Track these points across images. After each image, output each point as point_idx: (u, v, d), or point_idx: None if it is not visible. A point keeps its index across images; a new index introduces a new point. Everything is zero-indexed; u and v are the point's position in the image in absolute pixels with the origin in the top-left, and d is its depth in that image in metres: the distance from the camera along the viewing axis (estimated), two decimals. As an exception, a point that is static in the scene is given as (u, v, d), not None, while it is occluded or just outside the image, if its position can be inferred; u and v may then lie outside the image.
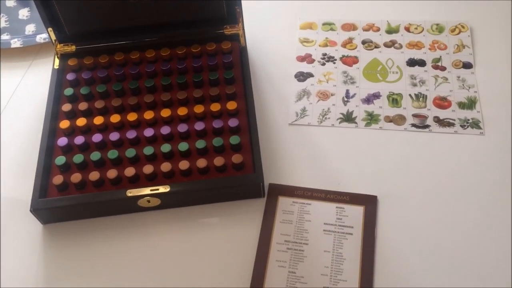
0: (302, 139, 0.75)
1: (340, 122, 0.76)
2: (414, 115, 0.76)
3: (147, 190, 0.66)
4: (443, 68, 0.81)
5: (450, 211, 0.67)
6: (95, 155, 0.69)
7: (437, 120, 0.75)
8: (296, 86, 0.81)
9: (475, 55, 0.82)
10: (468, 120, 0.74)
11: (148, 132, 0.71)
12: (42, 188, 0.67)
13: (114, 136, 0.71)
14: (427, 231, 0.65)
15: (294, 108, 0.78)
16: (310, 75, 0.82)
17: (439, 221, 0.66)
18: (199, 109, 0.74)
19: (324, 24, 0.89)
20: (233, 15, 0.80)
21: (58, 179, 0.67)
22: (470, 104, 0.76)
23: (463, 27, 0.85)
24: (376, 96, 0.79)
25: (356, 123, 0.76)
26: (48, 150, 0.70)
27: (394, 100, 0.78)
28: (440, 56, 0.82)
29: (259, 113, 0.77)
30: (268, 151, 0.73)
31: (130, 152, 0.69)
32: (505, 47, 0.82)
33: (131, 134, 0.71)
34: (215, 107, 0.74)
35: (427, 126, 0.74)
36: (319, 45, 0.86)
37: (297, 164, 0.72)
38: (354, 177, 0.70)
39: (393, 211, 0.67)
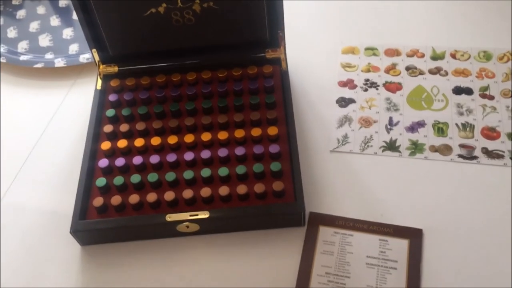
0: (344, 167, 0.73)
1: (383, 151, 0.74)
2: (461, 145, 0.73)
3: (186, 216, 0.65)
4: (491, 97, 0.78)
5: (499, 247, 0.63)
6: (135, 178, 0.69)
7: (486, 151, 0.72)
8: (338, 112, 0.80)
9: (525, 84, 0.79)
10: (519, 152, 0.71)
11: (188, 156, 0.71)
12: (82, 209, 0.67)
13: (154, 159, 0.71)
14: (475, 268, 0.62)
15: (335, 134, 0.77)
16: (352, 101, 0.81)
17: (487, 258, 0.63)
18: (239, 133, 0.73)
19: (366, 49, 0.87)
20: (275, 39, 0.80)
21: (98, 201, 0.67)
22: (520, 135, 0.73)
23: (512, 55, 0.82)
24: (421, 124, 0.76)
25: (400, 151, 0.74)
26: (89, 171, 0.70)
27: (440, 129, 0.75)
28: (488, 85, 0.80)
29: (299, 138, 0.76)
30: (308, 178, 0.72)
31: (170, 176, 0.69)
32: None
33: (171, 158, 0.71)
34: (256, 132, 0.73)
35: (475, 158, 0.72)
36: (362, 70, 0.85)
37: (338, 192, 0.70)
38: (397, 208, 0.68)
39: (439, 246, 0.64)
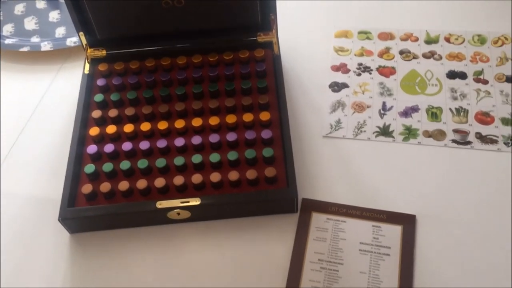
0: (337, 153, 0.72)
1: (376, 136, 0.73)
2: (455, 131, 0.72)
3: (177, 203, 0.64)
4: (485, 82, 0.77)
5: (492, 231, 0.63)
6: (125, 164, 0.68)
7: (479, 136, 0.71)
8: (331, 97, 0.78)
9: (519, 68, 0.78)
10: (513, 137, 0.71)
11: (179, 142, 0.69)
12: (71, 196, 0.65)
13: (144, 145, 0.70)
14: (468, 253, 0.62)
15: (328, 119, 0.76)
16: (345, 85, 0.80)
17: (481, 242, 0.62)
18: (231, 119, 0.72)
19: (360, 32, 0.86)
20: (267, 22, 0.78)
21: (87, 188, 0.65)
22: (514, 120, 0.73)
23: (506, 38, 0.81)
24: (415, 109, 0.75)
25: (393, 137, 0.73)
26: (78, 157, 0.69)
27: (434, 114, 0.75)
28: (482, 69, 0.79)
29: (292, 124, 0.74)
30: (301, 164, 0.71)
31: (160, 162, 0.68)
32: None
33: (161, 143, 0.69)
34: (248, 117, 0.71)
35: (469, 143, 0.71)
36: (355, 55, 0.83)
37: (331, 178, 0.70)
38: (390, 194, 0.67)
39: (432, 231, 0.64)
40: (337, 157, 0.72)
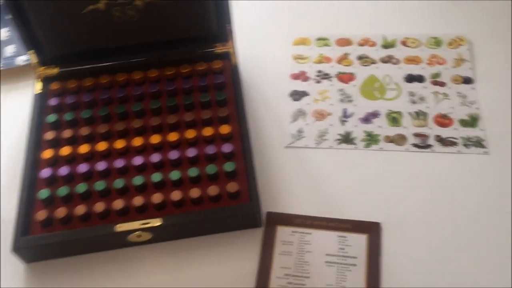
0: (299, 163, 0.71)
1: (338, 143, 0.73)
2: (415, 134, 0.73)
3: (137, 225, 0.62)
4: (442, 84, 0.78)
5: (456, 234, 0.63)
6: (81, 187, 0.65)
7: (439, 139, 0.72)
8: (291, 106, 0.78)
9: (475, 69, 0.79)
10: (471, 138, 0.71)
11: (137, 161, 0.67)
12: (25, 224, 0.62)
13: (101, 165, 0.67)
14: (434, 258, 0.62)
15: (289, 129, 0.75)
16: (305, 93, 0.79)
17: (446, 246, 0.63)
18: (190, 134, 0.70)
19: (318, 39, 0.86)
20: (224, 33, 0.77)
21: (41, 215, 0.63)
22: (472, 121, 0.73)
23: (461, 40, 0.82)
24: (375, 114, 0.75)
25: (355, 144, 0.72)
26: (31, 182, 0.66)
27: (394, 118, 0.75)
28: (439, 71, 0.79)
29: (253, 135, 0.73)
30: (264, 177, 0.70)
31: (118, 183, 0.65)
32: (506, 60, 0.79)
33: (119, 163, 0.67)
34: (208, 131, 0.70)
35: (429, 146, 0.71)
36: (314, 62, 0.83)
37: (295, 190, 0.69)
38: (355, 202, 0.67)
39: (398, 238, 0.63)
40: (300, 168, 0.71)
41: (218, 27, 0.77)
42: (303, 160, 0.72)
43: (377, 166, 0.70)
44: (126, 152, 0.69)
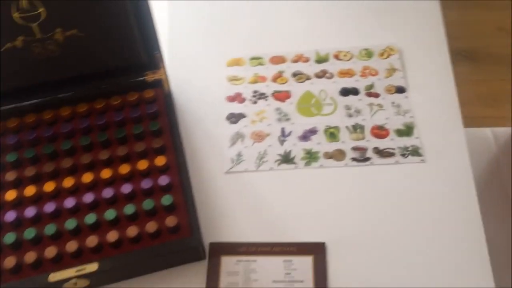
0: (241, 188, 0.70)
1: (278, 164, 0.72)
2: (354, 148, 0.73)
3: (72, 272, 0.58)
4: (376, 95, 0.78)
5: (400, 246, 0.64)
6: (9, 237, 0.61)
7: (377, 151, 0.72)
8: (229, 130, 0.76)
9: (407, 78, 0.80)
10: (408, 148, 0.72)
11: (69, 203, 0.64)
12: None
13: (30, 211, 0.63)
14: (379, 272, 0.62)
15: (228, 154, 0.73)
16: (242, 115, 0.78)
17: (391, 259, 0.63)
18: (124, 169, 0.67)
19: (251, 59, 0.85)
20: (154, 61, 0.75)
21: (-34, 272, 0.58)
22: (407, 130, 0.74)
23: (392, 50, 0.83)
24: (313, 131, 0.75)
25: (295, 163, 0.72)
26: (-47, 238, 0.61)
27: (332, 134, 0.74)
28: (373, 83, 0.80)
29: (192, 164, 0.72)
30: (205, 206, 0.68)
31: (50, 229, 0.62)
32: (435, 67, 0.80)
33: (49, 207, 0.64)
34: (143, 164, 0.68)
35: (368, 159, 0.71)
36: (249, 82, 0.82)
37: (238, 216, 0.67)
38: (299, 223, 0.66)
39: (343, 257, 0.63)
40: (241, 193, 0.69)
41: (147, 55, 0.74)
42: (244, 185, 0.70)
43: (318, 184, 0.70)
44: (57, 195, 0.66)
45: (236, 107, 0.79)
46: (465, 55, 1.79)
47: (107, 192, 0.65)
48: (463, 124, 0.73)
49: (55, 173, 0.68)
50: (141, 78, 0.76)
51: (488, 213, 0.99)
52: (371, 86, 0.80)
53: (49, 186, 0.66)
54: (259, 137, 0.75)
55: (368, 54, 0.84)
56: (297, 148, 0.73)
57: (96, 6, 0.67)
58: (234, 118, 0.78)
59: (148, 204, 0.64)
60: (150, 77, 0.76)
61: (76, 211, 0.64)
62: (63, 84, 0.74)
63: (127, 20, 0.70)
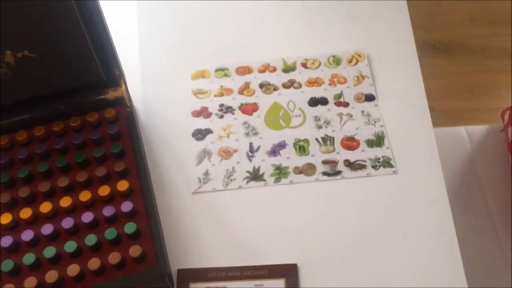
0: (209, 209, 0.67)
1: (247, 182, 0.69)
2: (324, 162, 0.71)
3: (31, 311, 0.55)
4: (346, 104, 0.77)
5: (376, 263, 0.62)
6: (-37, 277, 0.58)
7: (348, 163, 0.70)
8: (195, 147, 0.73)
9: (376, 85, 0.78)
10: (379, 159, 0.70)
11: (27, 236, 0.61)
12: None
13: (-15, 247, 0.60)
14: (355, 291, 0.60)
15: (195, 173, 0.71)
16: (208, 131, 0.75)
17: (366, 277, 0.61)
18: (85, 196, 0.64)
19: (217, 70, 0.82)
20: (113, 78, 0.72)
21: None
22: (378, 140, 0.72)
23: (359, 56, 0.81)
24: (282, 145, 0.73)
25: (264, 180, 0.70)
26: None
27: (301, 147, 0.72)
28: (342, 91, 0.78)
29: (157, 185, 0.69)
30: (172, 230, 0.65)
31: (7, 265, 0.59)
32: (403, 73, 0.79)
33: (5, 242, 0.60)
34: (104, 190, 0.64)
35: (339, 173, 0.69)
36: (215, 95, 0.79)
37: (207, 239, 0.65)
38: (270, 244, 0.64)
39: (316, 277, 0.61)
40: (210, 214, 0.67)
41: (105, 73, 0.71)
42: (212, 206, 0.68)
43: (288, 201, 0.68)
44: (14, 228, 0.63)
45: (202, 123, 0.76)
46: (438, 48, 1.79)
47: (67, 222, 0.62)
48: (433, 125, 0.72)
49: (11, 203, 0.64)
50: (101, 97, 0.73)
51: (462, 212, 0.99)
52: (340, 95, 0.78)
53: (4, 219, 0.62)
54: (226, 153, 0.72)
55: (336, 61, 0.82)
56: (266, 164, 0.71)
57: (45, 25, 0.63)
58: (201, 134, 0.75)
59: (110, 233, 0.61)
60: (110, 95, 0.73)
61: (34, 244, 0.61)
62: (19, 107, 0.71)
63: (80, 38, 0.66)
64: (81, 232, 0.62)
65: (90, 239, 0.60)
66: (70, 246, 0.60)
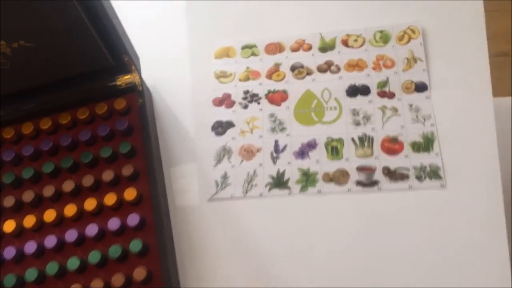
0: (226, 220, 0.61)
1: (269, 189, 0.61)
2: (360, 169, 0.61)
3: (31, 335, 0.53)
4: (391, 95, 0.65)
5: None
6: (-33, 291, 0.56)
7: (387, 172, 0.60)
8: (214, 143, 0.65)
9: (429, 71, 0.65)
10: (425, 167, 0.60)
11: (30, 247, 0.57)
12: None
13: (-13, 259, 0.57)
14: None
15: (213, 175, 0.63)
16: (230, 124, 0.66)
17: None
18: (91, 204, 0.59)
19: (244, 47, 0.71)
20: (123, 64, 0.64)
21: None
22: (426, 144, 0.61)
23: (413, 31, 0.68)
24: (312, 145, 0.63)
25: (289, 188, 0.61)
26: None
27: (334, 149, 0.63)
28: (387, 78, 0.66)
29: (170, 190, 0.63)
30: (184, 244, 0.60)
31: (9, 280, 0.56)
32: (467, 58, 0.64)
33: (9, 253, 0.57)
34: (110, 199, 0.59)
35: (375, 183, 0.60)
36: (239, 79, 0.69)
37: (222, 256, 0.59)
38: (293, 265, 0.57)
39: (340, 309, 0.54)
40: (226, 226, 0.60)
41: (114, 59, 0.63)
42: (230, 216, 0.61)
43: (316, 215, 0.59)
44: (19, 235, 0.59)
45: (223, 113, 0.67)
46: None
47: (71, 235, 0.57)
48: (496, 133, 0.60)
49: (16, 207, 0.60)
50: (111, 84, 0.65)
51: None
52: (385, 83, 0.65)
53: (8, 225, 0.59)
54: (248, 153, 0.64)
55: (384, 37, 0.68)
56: (291, 168, 0.62)
57: (39, 13, 0.55)
58: (221, 128, 0.66)
59: (114, 251, 0.56)
60: (121, 81, 0.65)
61: (39, 256, 0.58)
62: (21, 96, 0.65)
63: (79, 23, 0.58)
64: (86, 245, 0.58)
65: (94, 256, 0.56)
66: (74, 263, 0.56)
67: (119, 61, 0.63)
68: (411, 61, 0.66)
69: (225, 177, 0.63)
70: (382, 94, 0.65)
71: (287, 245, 0.58)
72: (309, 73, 0.68)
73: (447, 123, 0.61)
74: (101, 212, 0.59)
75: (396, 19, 0.69)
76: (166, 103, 0.69)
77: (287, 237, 0.59)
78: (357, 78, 0.66)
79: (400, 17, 0.69)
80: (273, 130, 0.65)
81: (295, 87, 0.67)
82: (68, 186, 0.60)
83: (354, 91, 0.66)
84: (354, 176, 0.60)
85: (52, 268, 0.56)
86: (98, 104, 0.65)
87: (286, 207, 0.60)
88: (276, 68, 0.69)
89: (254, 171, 0.63)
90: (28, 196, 0.60)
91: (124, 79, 0.65)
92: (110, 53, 0.62)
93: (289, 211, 0.60)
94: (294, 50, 0.70)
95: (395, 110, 0.64)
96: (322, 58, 0.69)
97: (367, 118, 0.64)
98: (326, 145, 0.63)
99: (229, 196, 0.62)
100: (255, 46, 0.71)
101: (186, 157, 0.65)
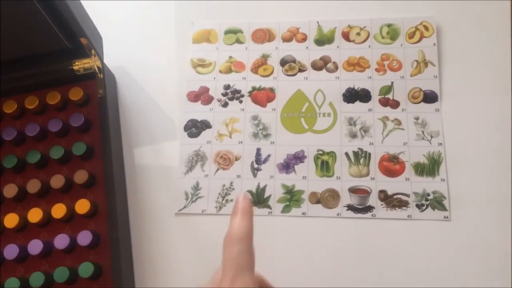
0: (195, 239, 0.52)
1: (247, 207, 0.53)
2: (352, 190, 0.53)
3: None
4: (395, 104, 0.56)
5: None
6: None
7: (384, 196, 0.52)
8: (187, 146, 0.56)
9: (441, 78, 0.56)
10: (428, 194, 0.52)
11: (-39, 265, 0.49)
12: None
13: None
14: None
15: (183, 185, 0.55)
16: (206, 125, 0.57)
17: None
18: (36, 215, 0.50)
19: (227, 32, 0.61)
20: (81, 46, 0.53)
21: None
22: (432, 166, 0.53)
23: (426, 28, 0.58)
24: (299, 157, 0.55)
25: (269, 207, 0.53)
26: None
27: (324, 164, 0.54)
28: (392, 83, 0.57)
29: (132, 201, 0.54)
30: (145, 265, 0.51)
31: None
32: (487, 65, 0.56)
33: None
34: (59, 211, 0.50)
35: (370, 209, 0.52)
36: (220, 71, 0.59)
37: (188, 279, 0.51)
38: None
39: None
40: (195, 247, 0.52)
41: (70, 42, 0.52)
42: (200, 235, 0.53)
43: (298, 241, 0.51)
44: None
45: (199, 111, 0.58)
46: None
47: (10, 251, 0.49)
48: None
49: None
50: (67, 68, 0.55)
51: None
52: (389, 89, 0.56)
53: None
54: (225, 161, 0.55)
55: (392, 33, 0.59)
56: (274, 183, 0.54)
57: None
58: (195, 128, 0.57)
59: (61, 275, 0.48)
60: (78, 65, 0.55)
61: (-29, 274, 0.49)
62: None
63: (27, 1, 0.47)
64: (29, 263, 0.49)
65: (37, 279, 0.48)
66: (13, 283, 0.48)
67: (76, 43, 0.53)
68: (421, 64, 0.57)
69: (196, 188, 0.54)
70: (385, 102, 0.56)
71: (264, 273, 0.51)
72: (301, 69, 0.58)
73: (457, 142, 0.53)
74: (49, 224, 0.51)
75: (407, 12, 0.59)
76: (133, 92, 0.59)
77: (264, 264, 0.51)
78: (357, 80, 0.57)
79: (413, 10, 0.59)
80: (255, 135, 0.56)
81: (284, 86, 0.58)
82: (10, 191, 0.51)
83: (353, 95, 0.56)
84: (346, 198, 0.52)
85: (-15, 291, 0.48)
86: (50, 91, 0.55)
87: (266, 230, 0.52)
88: (264, 60, 0.59)
89: (231, 184, 0.54)
90: (-38, 200, 0.51)
91: (82, 63, 0.55)
92: (64, 35, 0.52)
93: (269, 235, 0.52)
94: (286, 40, 0.60)
95: (398, 122, 0.55)
96: (318, 52, 0.59)
97: (365, 129, 0.55)
98: (316, 158, 0.54)
99: (200, 212, 0.53)
100: (240, 31, 0.61)
101: (153, 162, 0.56)
